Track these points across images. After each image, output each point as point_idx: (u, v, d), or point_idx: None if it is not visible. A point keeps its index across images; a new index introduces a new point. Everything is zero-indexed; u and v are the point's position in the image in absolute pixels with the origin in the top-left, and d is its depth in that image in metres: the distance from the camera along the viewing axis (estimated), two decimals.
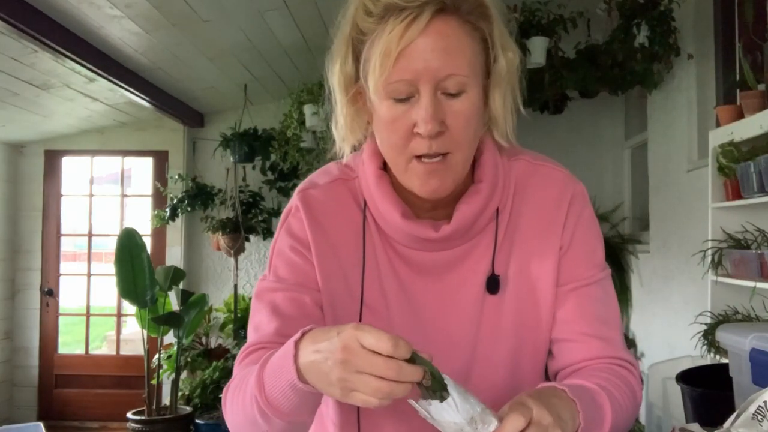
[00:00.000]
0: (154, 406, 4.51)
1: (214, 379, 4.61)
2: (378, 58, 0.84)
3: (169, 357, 4.70)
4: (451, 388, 0.72)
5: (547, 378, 1.03)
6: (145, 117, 5.15)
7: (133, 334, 5.55)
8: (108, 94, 4.41)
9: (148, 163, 5.54)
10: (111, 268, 4.53)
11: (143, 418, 4.45)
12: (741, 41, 2.93)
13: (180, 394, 4.67)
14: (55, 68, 3.75)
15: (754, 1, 2.84)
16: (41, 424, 2.07)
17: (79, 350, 5.67)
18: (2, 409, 5.25)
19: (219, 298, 5.22)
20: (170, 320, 4.48)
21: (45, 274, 5.43)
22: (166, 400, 4.73)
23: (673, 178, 3.68)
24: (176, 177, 5.13)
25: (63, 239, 5.55)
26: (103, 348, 6.44)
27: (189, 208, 5.04)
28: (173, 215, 5.02)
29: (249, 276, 5.41)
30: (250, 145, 4.73)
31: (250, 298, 4.43)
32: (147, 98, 4.38)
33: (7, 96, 4.17)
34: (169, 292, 4.57)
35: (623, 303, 4.35)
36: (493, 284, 0.97)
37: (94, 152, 5.53)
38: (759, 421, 0.95)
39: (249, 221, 4.96)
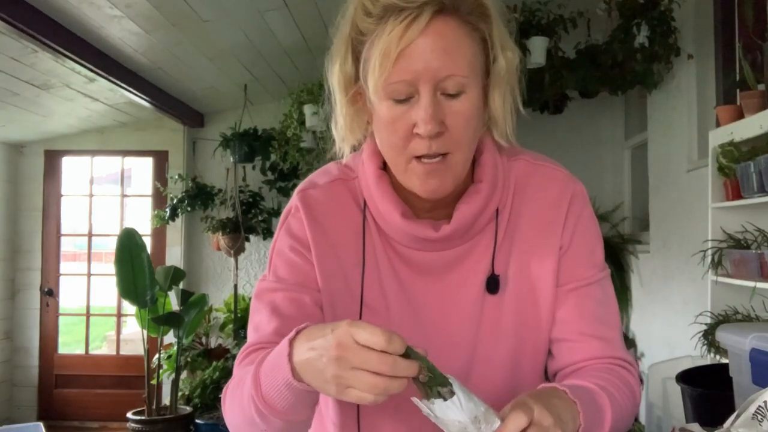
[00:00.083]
0: (154, 406, 4.51)
1: (214, 379, 4.61)
2: (377, 58, 0.84)
3: (169, 357, 4.70)
4: (455, 386, 0.72)
5: (547, 378, 1.03)
6: (145, 117, 5.15)
7: (133, 334, 5.55)
8: (108, 94, 4.41)
9: (148, 163, 5.54)
10: (111, 268, 4.53)
11: (143, 418, 4.45)
12: (741, 41, 2.93)
13: (180, 394, 4.67)
14: (55, 68, 3.75)
15: (754, 1, 2.84)
16: (41, 424, 2.07)
17: (79, 350, 5.67)
18: (2, 409, 5.25)
19: (219, 298, 5.22)
20: (170, 320, 4.48)
21: (45, 274, 5.43)
22: (166, 400, 4.73)
23: (673, 178, 3.68)
24: (176, 177, 5.13)
25: (63, 239, 5.55)
26: (103, 348, 6.44)
27: (189, 208, 5.04)
28: (173, 215, 5.02)
29: (249, 276, 5.41)
30: (250, 145, 4.73)
31: (250, 298, 4.41)
32: (147, 98, 4.38)
33: (7, 96, 4.17)
34: (169, 292, 4.57)
35: (623, 303, 4.35)
36: (492, 284, 0.97)
37: (94, 152, 5.53)
38: (759, 421, 0.95)
39: (249, 221, 4.96)
